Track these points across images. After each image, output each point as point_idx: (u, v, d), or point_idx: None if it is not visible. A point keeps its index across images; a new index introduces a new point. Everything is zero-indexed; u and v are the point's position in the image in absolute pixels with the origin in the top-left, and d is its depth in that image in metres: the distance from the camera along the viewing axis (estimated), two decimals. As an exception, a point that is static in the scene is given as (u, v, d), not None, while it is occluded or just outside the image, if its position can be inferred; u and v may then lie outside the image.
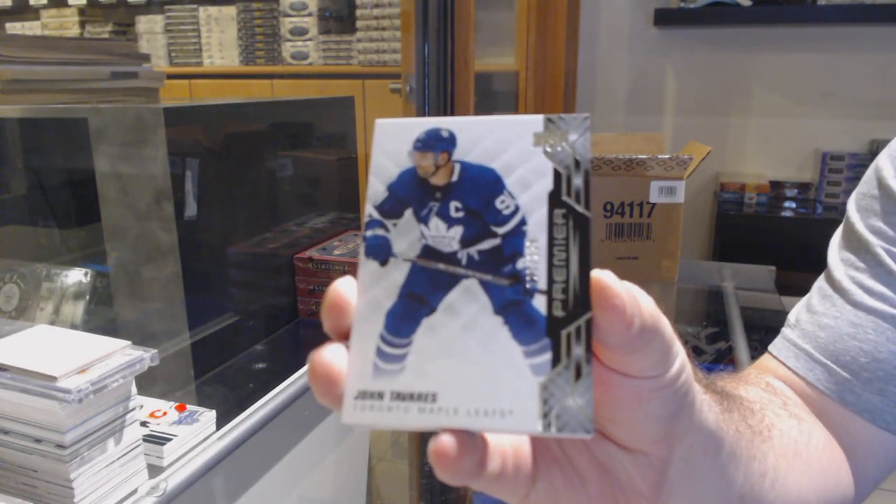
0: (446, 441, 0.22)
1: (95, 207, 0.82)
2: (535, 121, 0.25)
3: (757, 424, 0.38)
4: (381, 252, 0.25)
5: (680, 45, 2.40)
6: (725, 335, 1.02)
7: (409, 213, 0.25)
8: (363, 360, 0.23)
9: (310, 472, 0.88)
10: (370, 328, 0.24)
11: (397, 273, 0.24)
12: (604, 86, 2.49)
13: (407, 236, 0.25)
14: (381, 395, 0.23)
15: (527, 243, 0.24)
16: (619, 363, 0.25)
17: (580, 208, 0.24)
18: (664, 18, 2.31)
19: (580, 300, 0.23)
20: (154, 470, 0.60)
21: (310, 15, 2.66)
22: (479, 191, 0.25)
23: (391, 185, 0.25)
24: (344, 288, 0.24)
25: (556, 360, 0.22)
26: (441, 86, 1.50)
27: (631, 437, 0.27)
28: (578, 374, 0.22)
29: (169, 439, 0.62)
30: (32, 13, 3.04)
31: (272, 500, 0.80)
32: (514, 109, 2.35)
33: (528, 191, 0.24)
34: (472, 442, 0.23)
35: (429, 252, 0.25)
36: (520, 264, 0.24)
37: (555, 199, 0.24)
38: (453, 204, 0.25)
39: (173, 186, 0.79)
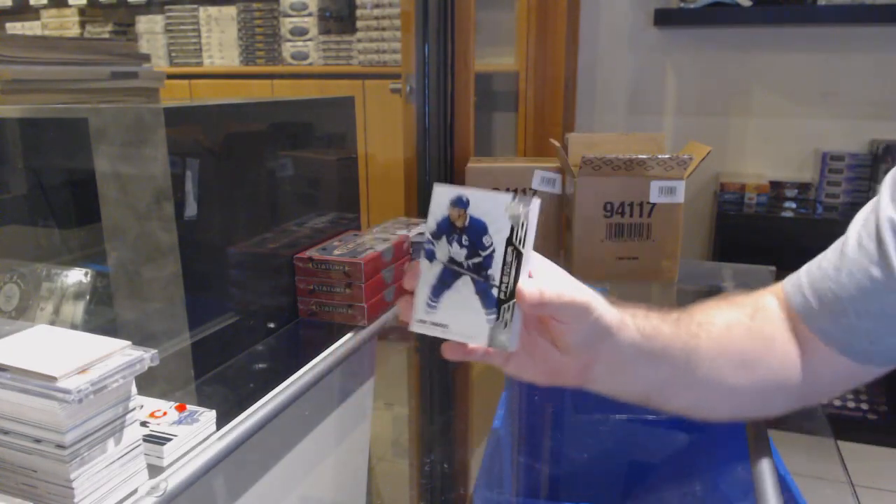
0: (448, 344, 0.52)
1: (95, 207, 0.82)
2: (507, 198, 0.49)
3: (690, 327, 0.60)
4: (431, 256, 0.51)
5: (680, 45, 2.40)
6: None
7: (444, 238, 0.51)
8: (420, 305, 0.52)
9: (310, 472, 0.88)
10: (423, 291, 0.52)
11: (437, 268, 0.52)
12: (604, 86, 2.49)
13: (442, 250, 0.51)
14: (425, 322, 0.52)
15: (494, 261, 0.50)
16: (546, 315, 0.52)
17: (520, 248, 0.49)
18: (664, 18, 2.31)
19: (512, 292, 0.50)
20: (154, 470, 0.60)
21: (310, 15, 2.66)
22: (476, 232, 0.50)
23: (438, 223, 0.51)
24: (416, 268, 0.52)
25: (498, 317, 0.50)
26: (441, 86, 1.50)
27: (564, 348, 0.54)
28: (506, 325, 0.50)
29: (169, 439, 0.62)
30: (32, 13, 3.04)
31: (272, 500, 0.80)
32: (514, 109, 2.35)
33: (498, 235, 0.49)
34: (459, 344, 0.52)
35: (451, 260, 0.51)
36: (489, 271, 0.50)
37: (509, 242, 0.49)
38: (463, 237, 0.50)
39: (173, 186, 0.79)
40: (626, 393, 0.60)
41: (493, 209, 0.49)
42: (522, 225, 0.48)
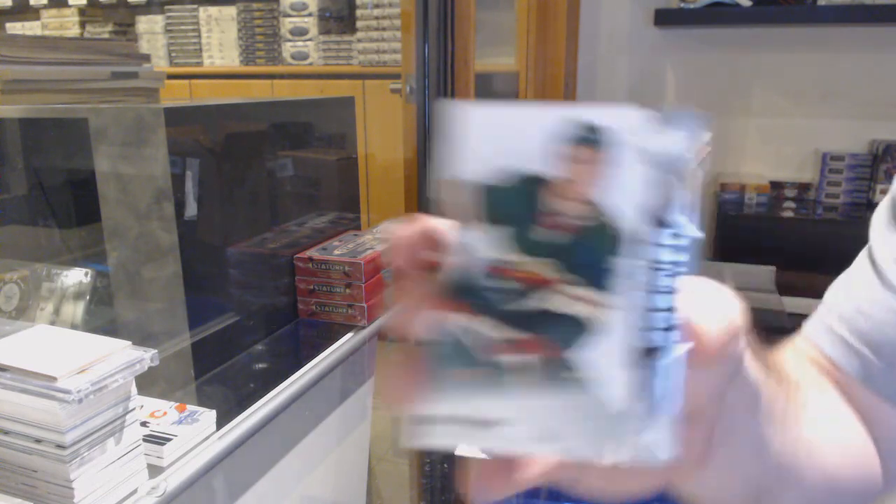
0: (491, 468, 0.25)
1: (95, 207, 0.82)
2: (637, 117, 0.22)
3: (793, 392, 0.37)
4: (470, 272, 0.25)
5: (680, 45, 2.40)
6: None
7: (510, 226, 0.24)
8: (439, 383, 0.25)
9: (310, 472, 0.88)
10: (444, 349, 0.24)
11: (480, 293, 0.25)
12: (604, 86, 2.49)
13: (492, 247, 0.24)
14: (449, 421, 0.24)
15: (614, 263, 0.22)
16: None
17: (685, 227, 0.22)
18: (664, 18, 2.31)
19: (668, 332, 0.22)
20: (154, 470, 0.60)
21: (310, 15, 2.66)
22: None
23: (503, 199, 0.24)
24: (420, 298, 0.25)
25: (636, 394, 0.22)
26: (441, 86, 1.50)
27: (686, 405, 0.25)
28: (660, 410, 0.22)
29: (169, 439, 0.62)
30: (32, 13, 3.04)
31: (272, 500, 0.80)
32: (514, 109, 2.34)
33: (623, 203, 0.22)
34: (504, 467, 0.25)
35: (507, 268, 0.24)
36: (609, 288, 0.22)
37: (655, 216, 0.21)
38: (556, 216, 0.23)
39: (173, 186, 0.79)
40: (744, 480, 0.34)
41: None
42: (685, 178, 0.21)
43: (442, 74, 1.49)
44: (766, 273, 1.30)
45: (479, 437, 0.22)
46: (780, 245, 2.13)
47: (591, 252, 0.22)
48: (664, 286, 0.21)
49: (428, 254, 0.23)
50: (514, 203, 0.22)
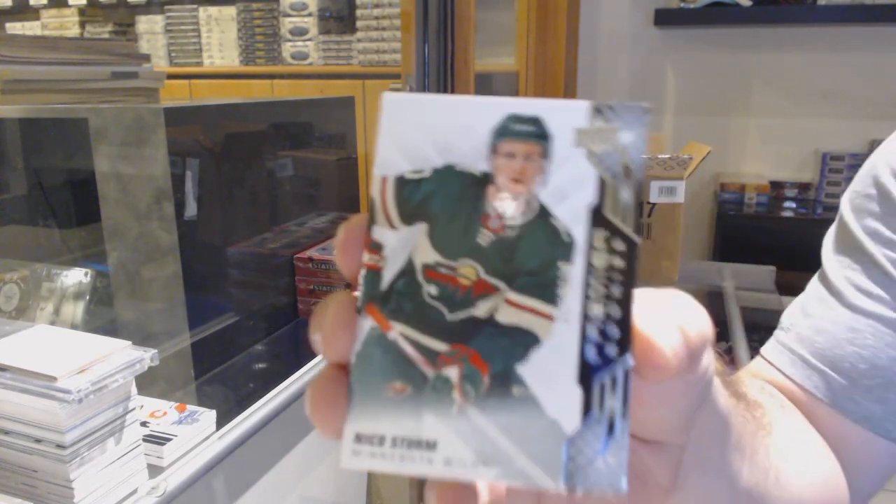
0: (443, 491, 0.22)
1: (95, 207, 0.82)
2: (579, 111, 0.20)
3: (760, 418, 0.37)
4: (392, 281, 0.23)
5: (680, 45, 2.40)
6: (725, 335, 1.02)
7: (434, 227, 0.23)
8: (362, 398, 0.22)
9: (310, 472, 0.88)
10: (370, 364, 0.22)
11: (404, 303, 0.23)
12: (604, 86, 2.49)
13: (423, 255, 0.23)
14: (378, 441, 0.21)
15: (562, 272, 0.20)
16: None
17: (627, 230, 0.20)
18: (664, 18, 2.31)
19: (619, 344, 0.20)
20: (154, 470, 0.60)
21: (310, 15, 2.66)
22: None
23: (428, 195, 0.23)
24: (345, 308, 0.22)
25: (586, 412, 0.20)
26: (441, 86, 1.50)
27: (652, 431, 0.25)
28: (611, 430, 0.19)
29: (169, 439, 0.62)
30: (32, 13, 3.04)
31: (272, 500, 0.80)
32: (514, 109, 2.34)
33: (564, 203, 0.20)
34: (457, 492, 0.22)
35: (437, 277, 0.23)
36: (560, 296, 0.20)
37: (597, 217, 0.20)
38: (491, 220, 0.22)
39: (173, 186, 0.79)
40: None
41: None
42: (628, 176, 0.20)
43: (442, 74, 1.49)
44: (766, 273, 1.30)
45: (418, 460, 0.20)
46: (780, 245, 2.13)
47: (531, 255, 0.20)
48: (611, 293, 0.20)
49: (366, 256, 0.21)
50: (451, 202, 0.21)
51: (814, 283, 0.50)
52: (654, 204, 1.18)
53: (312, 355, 0.89)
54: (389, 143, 0.21)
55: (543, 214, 0.20)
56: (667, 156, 1.16)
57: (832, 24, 2.21)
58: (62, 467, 0.51)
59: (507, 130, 0.20)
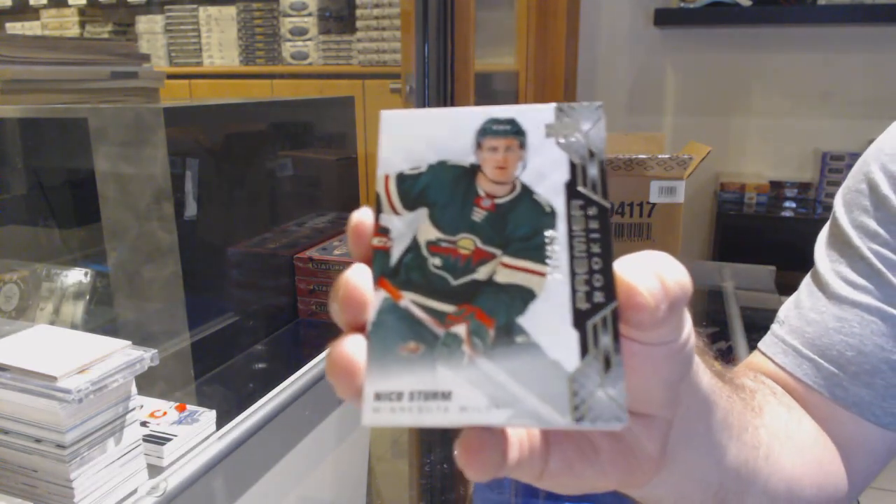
0: (469, 439, 0.23)
1: (95, 207, 0.82)
2: (547, 111, 0.25)
3: (748, 400, 0.38)
4: (400, 255, 0.26)
5: (680, 45, 2.40)
6: (725, 335, 1.02)
7: (432, 210, 0.26)
8: (380, 359, 0.24)
9: (310, 472, 0.88)
10: (386, 329, 0.25)
11: (415, 274, 0.26)
12: (604, 86, 2.49)
13: (425, 235, 0.26)
14: (397, 396, 0.23)
15: (548, 238, 0.24)
16: (636, 334, 0.25)
17: (597, 198, 0.24)
18: (664, 18, 2.31)
19: (604, 290, 0.23)
20: (154, 470, 0.60)
21: (310, 15, 2.66)
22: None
23: (427, 185, 0.27)
24: (361, 280, 0.24)
25: (584, 352, 0.22)
26: (441, 86, 1.50)
27: (641, 402, 0.27)
28: (608, 365, 0.22)
29: (169, 439, 0.62)
30: (32, 13, 3.04)
31: (272, 500, 0.80)
32: (514, 109, 2.34)
33: (543, 182, 0.24)
34: (484, 435, 0.23)
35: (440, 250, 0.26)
36: (548, 257, 0.24)
37: (572, 190, 0.24)
38: (483, 201, 0.25)
39: (173, 186, 0.79)
40: (703, 485, 0.35)
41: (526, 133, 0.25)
42: (593, 156, 0.24)
43: (442, 74, 1.49)
44: (766, 273, 1.30)
45: (435, 410, 0.22)
46: (780, 245, 2.13)
47: (521, 225, 0.24)
48: (591, 250, 0.23)
49: (375, 240, 0.24)
50: (446, 189, 0.24)
51: (806, 279, 0.52)
52: (654, 204, 1.18)
53: (312, 355, 0.89)
54: (389, 149, 0.25)
55: (527, 192, 0.24)
56: (667, 156, 1.16)
57: (832, 24, 2.21)
58: (62, 467, 0.51)
59: (489, 130, 0.25)
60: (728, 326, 1.05)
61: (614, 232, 1.18)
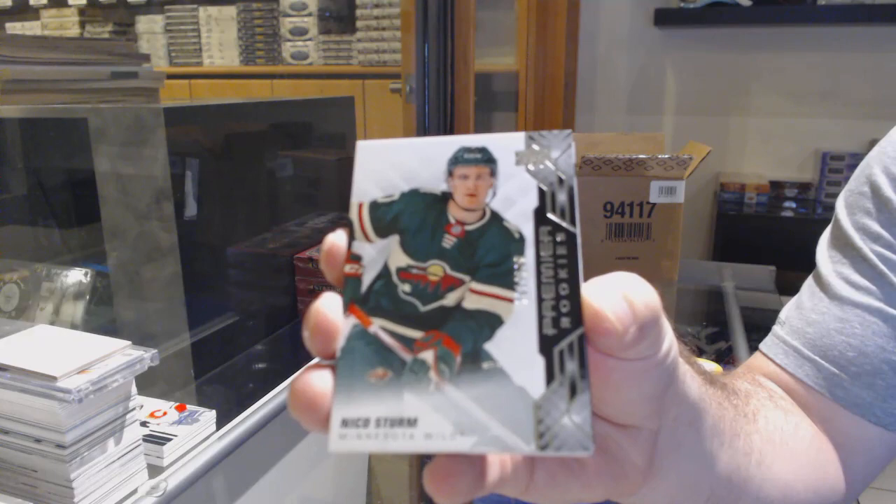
0: (437, 466, 0.22)
1: (95, 207, 0.82)
2: (517, 139, 0.25)
3: (741, 406, 0.38)
4: (370, 282, 0.27)
5: (680, 45, 2.40)
6: (725, 335, 1.02)
7: (404, 238, 0.27)
8: (347, 386, 0.24)
9: (310, 472, 0.88)
10: (354, 356, 0.25)
11: (381, 300, 0.27)
12: (604, 86, 2.49)
13: (395, 260, 0.27)
14: (363, 423, 0.23)
15: (516, 264, 0.24)
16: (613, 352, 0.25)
17: (566, 224, 0.24)
18: (664, 18, 2.31)
19: (571, 316, 0.23)
20: (154, 470, 0.60)
21: (310, 15, 2.66)
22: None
23: (402, 212, 0.28)
24: (329, 308, 0.24)
25: (550, 378, 0.22)
26: (441, 86, 1.50)
27: (624, 414, 0.27)
28: (574, 391, 0.22)
29: (169, 439, 0.62)
30: (32, 13, 3.04)
31: (272, 500, 0.80)
32: (514, 109, 2.35)
33: (512, 208, 0.25)
34: (454, 462, 0.23)
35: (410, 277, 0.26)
36: (516, 284, 0.24)
37: (540, 217, 0.24)
38: (454, 228, 0.26)
39: (173, 186, 0.79)
40: (695, 493, 0.35)
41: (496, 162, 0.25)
42: (562, 182, 0.24)
43: (442, 74, 1.49)
44: (765, 273, 1.30)
45: (401, 437, 0.22)
46: (780, 245, 2.13)
47: (490, 251, 0.24)
48: (559, 276, 0.23)
49: (347, 266, 0.24)
50: (417, 216, 0.25)
51: (808, 280, 0.52)
52: (654, 204, 1.18)
53: (312, 355, 0.89)
54: (363, 178, 0.25)
55: (496, 219, 0.24)
56: (667, 156, 1.16)
57: (832, 24, 2.21)
58: (62, 467, 0.51)
59: (460, 158, 0.25)
60: (728, 326, 1.05)
61: (615, 232, 1.18)
